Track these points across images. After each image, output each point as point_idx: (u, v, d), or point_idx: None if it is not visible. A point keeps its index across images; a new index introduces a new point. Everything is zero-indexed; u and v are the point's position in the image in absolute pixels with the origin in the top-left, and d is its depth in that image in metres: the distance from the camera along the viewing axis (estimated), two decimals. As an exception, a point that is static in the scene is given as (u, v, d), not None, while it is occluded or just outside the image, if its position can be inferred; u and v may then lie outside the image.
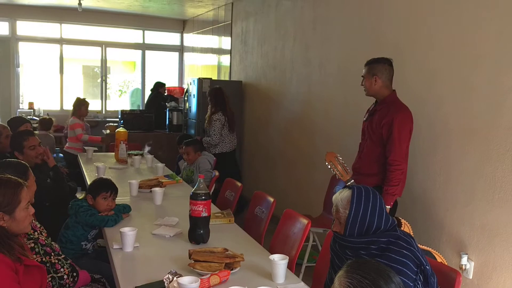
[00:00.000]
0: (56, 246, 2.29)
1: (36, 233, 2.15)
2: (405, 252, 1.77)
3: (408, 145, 2.95)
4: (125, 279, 1.98)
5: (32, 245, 2.09)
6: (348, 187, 1.91)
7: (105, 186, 2.82)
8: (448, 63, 3.11)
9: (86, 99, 5.83)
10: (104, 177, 3.35)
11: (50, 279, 2.09)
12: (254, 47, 6.04)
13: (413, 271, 1.75)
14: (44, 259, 2.11)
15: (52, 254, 2.18)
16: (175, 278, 1.83)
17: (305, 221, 2.66)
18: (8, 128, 3.79)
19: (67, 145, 5.65)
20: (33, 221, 2.17)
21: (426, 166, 3.27)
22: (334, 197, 1.93)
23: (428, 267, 1.79)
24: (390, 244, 1.79)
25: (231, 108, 5.38)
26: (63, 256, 2.24)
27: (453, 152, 3.08)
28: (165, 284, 1.84)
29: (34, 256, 2.06)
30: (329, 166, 2.88)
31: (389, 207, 2.87)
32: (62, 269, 2.17)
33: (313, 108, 4.71)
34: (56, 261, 2.17)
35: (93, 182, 2.94)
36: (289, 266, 2.14)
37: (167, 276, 1.86)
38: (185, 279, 1.79)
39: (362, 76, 3.05)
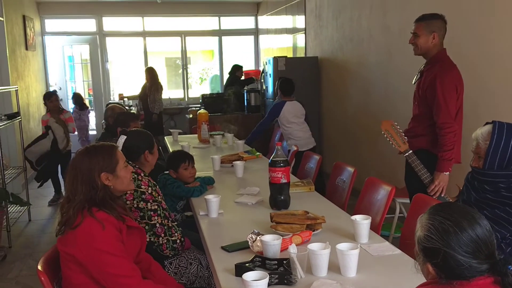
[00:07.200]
0: (172, 213, 2.43)
1: (159, 197, 2.31)
2: None
3: (456, 105, 2.70)
4: (212, 240, 2.07)
5: (156, 207, 2.24)
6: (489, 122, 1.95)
7: (181, 157, 2.96)
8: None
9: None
10: (176, 149, 3.50)
11: (165, 241, 2.24)
12: (329, 20, 5.91)
13: None
14: (163, 221, 2.25)
15: (170, 219, 2.32)
16: (258, 237, 1.87)
17: (388, 187, 2.58)
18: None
19: None
20: (156, 186, 2.34)
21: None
22: (474, 133, 2.00)
23: None
24: None
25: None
26: (176, 222, 2.37)
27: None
28: (249, 243, 1.89)
29: (156, 217, 2.22)
30: (385, 135, 2.73)
31: (447, 173, 2.69)
32: (176, 234, 2.29)
33: (394, 78, 4.52)
34: (172, 226, 2.30)
35: (169, 157, 3.08)
36: (374, 231, 2.10)
37: (250, 235, 1.90)
38: (268, 237, 1.82)
39: (414, 33, 2.79)
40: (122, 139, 2.43)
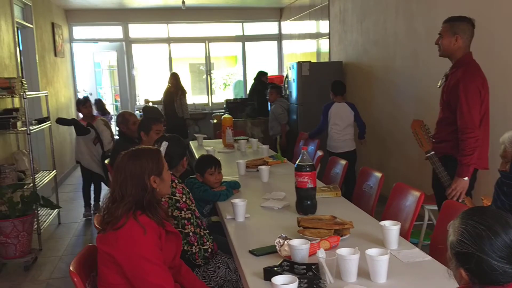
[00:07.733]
0: (204, 221, 2.44)
1: (193, 205, 2.31)
2: None
3: (481, 111, 2.64)
4: (239, 244, 2.08)
5: (189, 215, 2.25)
6: None
7: (207, 162, 2.96)
8: None
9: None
10: (204, 154, 3.51)
11: (198, 250, 2.25)
12: (353, 24, 5.87)
13: None
14: (196, 230, 2.26)
15: (202, 227, 2.31)
16: (285, 242, 1.87)
17: (417, 193, 2.54)
18: (135, 115, 4.22)
19: None
20: (189, 193, 2.34)
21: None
22: (501, 138, 2.03)
23: None
24: None
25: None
26: (207, 231, 2.35)
27: None
28: (277, 247, 1.89)
29: (189, 226, 2.23)
30: (413, 135, 2.76)
31: (466, 178, 2.63)
32: (207, 243, 2.28)
33: (421, 82, 4.45)
34: (204, 234, 2.29)
35: (197, 161, 3.10)
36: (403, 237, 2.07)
37: (278, 240, 1.90)
38: (296, 241, 1.81)
39: (440, 34, 2.78)
40: (164, 145, 2.44)
